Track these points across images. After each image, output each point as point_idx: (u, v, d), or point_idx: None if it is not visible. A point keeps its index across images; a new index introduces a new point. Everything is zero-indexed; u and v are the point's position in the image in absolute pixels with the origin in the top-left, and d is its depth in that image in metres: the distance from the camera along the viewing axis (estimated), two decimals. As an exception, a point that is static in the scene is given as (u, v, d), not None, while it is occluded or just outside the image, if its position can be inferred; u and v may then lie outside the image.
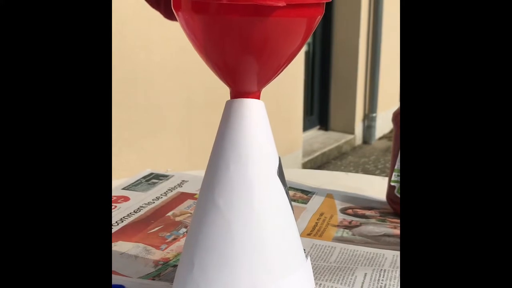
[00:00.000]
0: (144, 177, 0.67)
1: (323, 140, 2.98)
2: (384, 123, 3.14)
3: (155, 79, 1.67)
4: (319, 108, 3.14)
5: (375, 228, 0.53)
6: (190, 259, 0.31)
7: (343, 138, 3.02)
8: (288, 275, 0.32)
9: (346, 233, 0.51)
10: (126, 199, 0.59)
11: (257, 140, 0.32)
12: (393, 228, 0.53)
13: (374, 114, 3.12)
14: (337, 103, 3.09)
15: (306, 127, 2.93)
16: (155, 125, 1.69)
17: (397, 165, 0.55)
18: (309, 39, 2.95)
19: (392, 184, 0.56)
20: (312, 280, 0.35)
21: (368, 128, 3.14)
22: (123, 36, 1.49)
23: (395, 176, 0.56)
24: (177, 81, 1.75)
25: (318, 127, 3.16)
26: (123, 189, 0.62)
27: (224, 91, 0.35)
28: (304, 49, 2.60)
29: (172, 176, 0.68)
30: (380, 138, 3.22)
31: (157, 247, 0.47)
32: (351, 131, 3.07)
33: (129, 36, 1.53)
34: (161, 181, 0.66)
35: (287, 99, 2.40)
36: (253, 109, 0.32)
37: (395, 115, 0.56)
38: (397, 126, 0.56)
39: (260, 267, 0.31)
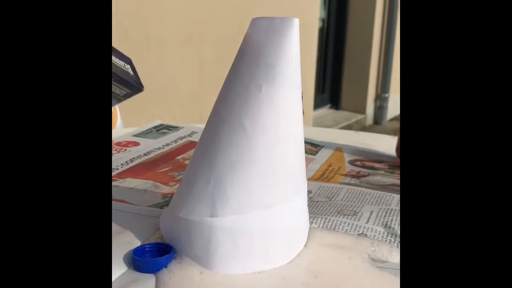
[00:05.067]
0: (154, 127, 0.67)
1: (333, 119, 2.96)
2: (397, 104, 3.11)
3: (167, 49, 1.66)
4: (331, 87, 3.12)
5: (383, 178, 0.53)
6: (207, 175, 0.31)
7: (354, 117, 3.01)
8: (297, 196, 0.32)
9: (354, 181, 0.51)
10: (136, 144, 0.60)
11: (295, 62, 0.30)
12: (401, 179, 0.53)
13: (386, 95, 3.09)
14: (350, 82, 3.07)
15: (317, 105, 2.92)
16: (166, 95, 1.70)
17: (408, 117, 0.55)
18: (324, 16, 2.92)
19: (402, 136, 0.56)
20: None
21: (380, 108, 3.11)
22: (136, 6, 1.48)
23: (406, 128, 0.55)
24: (189, 51, 1.74)
25: (329, 105, 3.14)
26: (134, 136, 0.63)
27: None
28: (317, 25, 2.57)
29: (182, 127, 0.68)
30: (391, 120, 3.20)
31: (166, 184, 0.48)
32: (362, 111, 3.05)
33: (141, 7, 1.52)
34: (171, 131, 0.66)
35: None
36: (294, 28, 0.30)
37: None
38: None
39: (275, 187, 0.31)
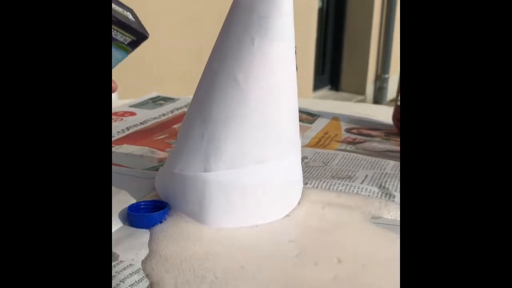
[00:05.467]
0: (151, 99, 0.67)
1: (333, 100, 2.95)
2: (396, 85, 3.10)
3: (165, 27, 1.65)
4: (330, 67, 3.10)
5: (379, 144, 0.53)
6: (200, 130, 0.31)
7: (354, 98, 3.00)
8: (290, 151, 0.32)
9: (350, 147, 0.51)
10: (132, 114, 0.60)
11: (288, 15, 0.30)
12: (397, 146, 0.53)
13: (386, 75, 3.08)
14: (349, 62, 3.05)
15: (317, 86, 2.90)
16: (163, 74, 1.69)
17: (405, 84, 0.55)
18: (323, -5, 2.88)
19: (399, 103, 0.55)
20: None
21: (380, 89, 3.10)
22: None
23: (402, 96, 0.55)
24: (187, 29, 1.73)
25: (329, 87, 3.13)
26: (130, 106, 0.63)
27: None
28: (317, 5, 2.54)
29: (178, 99, 0.68)
30: (392, 100, 3.19)
31: (162, 150, 0.48)
32: (362, 92, 3.04)
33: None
34: (167, 102, 0.66)
35: (297, 57, 2.37)
36: None
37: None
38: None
39: (269, 142, 0.31)
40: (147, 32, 0.41)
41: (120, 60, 0.46)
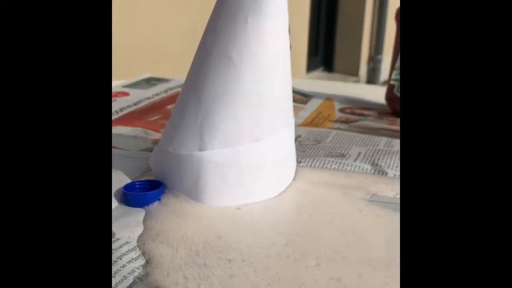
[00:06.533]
0: (144, 79, 0.67)
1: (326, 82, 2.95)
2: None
3: (158, 6, 1.63)
4: (324, 49, 3.09)
5: (372, 123, 0.53)
6: (195, 109, 0.31)
7: (347, 79, 2.99)
8: (284, 128, 0.33)
9: (343, 126, 0.52)
10: (125, 94, 0.59)
11: None
12: (390, 125, 0.53)
13: (379, 56, 3.07)
14: (343, 43, 3.04)
15: (310, 67, 2.89)
16: (155, 54, 1.67)
17: (398, 63, 0.55)
18: (316, -25, 2.85)
19: (392, 82, 0.56)
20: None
21: (373, 70, 3.10)
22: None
23: (395, 75, 0.55)
24: (178, 9, 1.71)
25: (322, 68, 3.12)
26: (123, 86, 0.63)
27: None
28: (310, -15, 2.51)
29: (172, 79, 0.68)
30: (385, 82, 3.19)
31: (156, 131, 0.48)
32: (356, 73, 3.03)
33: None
34: (160, 83, 0.66)
35: (290, 37, 2.35)
36: None
37: (398, 12, 0.55)
38: (400, 23, 0.55)
39: (263, 120, 0.31)
40: None
41: None
